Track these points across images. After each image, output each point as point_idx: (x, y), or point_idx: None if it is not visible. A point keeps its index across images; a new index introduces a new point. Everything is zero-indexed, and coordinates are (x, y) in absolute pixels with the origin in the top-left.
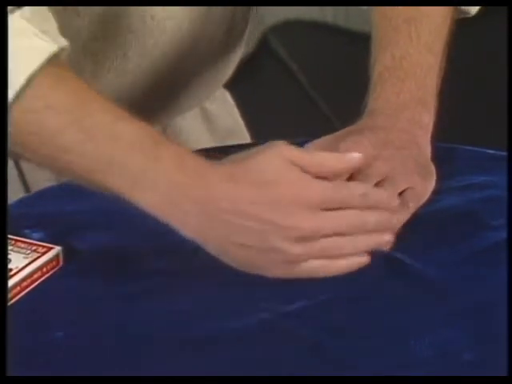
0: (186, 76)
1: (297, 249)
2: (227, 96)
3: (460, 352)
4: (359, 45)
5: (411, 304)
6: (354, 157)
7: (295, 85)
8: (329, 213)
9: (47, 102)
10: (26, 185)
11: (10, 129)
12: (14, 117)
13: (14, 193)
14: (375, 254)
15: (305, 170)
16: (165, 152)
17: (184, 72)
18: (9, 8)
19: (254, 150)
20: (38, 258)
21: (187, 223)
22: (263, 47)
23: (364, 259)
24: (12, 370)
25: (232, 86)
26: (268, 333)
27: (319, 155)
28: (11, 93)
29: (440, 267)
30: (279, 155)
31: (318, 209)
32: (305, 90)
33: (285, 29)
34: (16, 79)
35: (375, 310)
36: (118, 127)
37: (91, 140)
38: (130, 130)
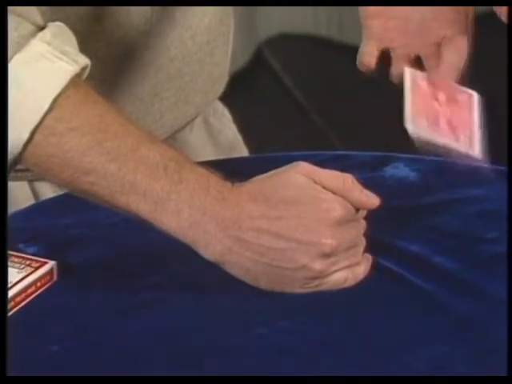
0: (179, 72)
1: (323, 264)
2: (225, 111)
3: (456, 366)
4: (352, 58)
5: (409, 317)
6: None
7: (289, 97)
8: (345, 226)
9: (70, 125)
10: (36, 196)
11: (30, 151)
12: (35, 139)
13: (25, 203)
14: (374, 268)
15: (326, 188)
16: (188, 175)
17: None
18: (28, 32)
19: (275, 170)
20: (32, 272)
21: (210, 246)
22: (257, 60)
23: (370, 258)
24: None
25: (226, 98)
26: (266, 347)
27: (340, 175)
28: (36, 117)
29: (438, 280)
30: (301, 173)
31: (339, 224)
32: (299, 102)
33: (279, 42)
34: (40, 103)
35: (374, 323)
36: (141, 150)
37: (114, 162)
38: (153, 154)
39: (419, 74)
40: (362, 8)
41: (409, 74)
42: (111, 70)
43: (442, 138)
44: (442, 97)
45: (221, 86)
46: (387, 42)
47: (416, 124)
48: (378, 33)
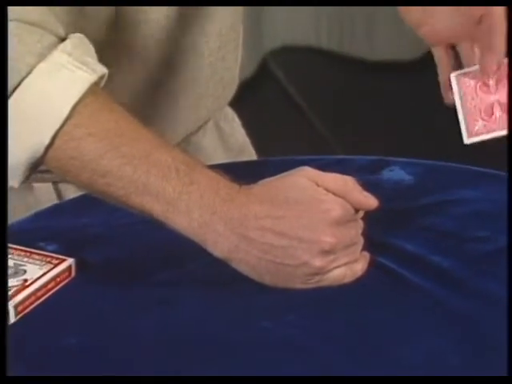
0: (187, 76)
1: (323, 261)
2: (235, 116)
3: (453, 362)
4: (352, 68)
5: (408, 313)
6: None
7: (292, 105)
8: (344, 226)
9: (88, 130)
10: (59, 196)
11: (51, 155)
12: (56, 144)
13: (49, 204)
14: (372, 266)
15: (328, 190)
16: (199, 177)
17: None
18: (50, 43)
19: (281, 174)
20: (52, 269)
21: (219, 244)
22: (262, 70)
23: (368, 256)
24: (26, 373)
25: (234, 105)
26: (270, 340)
27: (342, 177)
28: (56, 123)
29: (433, 277)
30: (305, 176)
31: (338, 224)
32: (301, 110)
33: (282, 53)
34: (60, 110)
35: (373, 318)
36: (154, 154)
37: (129, 165)
38: (165, 157)
39: (464, 73)
40: (406, 21)
41: (455, 80)
42: (130, 77)
43: (498, 130)
44: (492, 81)
45: (231, 91)
46: (449, 40)
47: (472, 135)
48: (434, 38)
